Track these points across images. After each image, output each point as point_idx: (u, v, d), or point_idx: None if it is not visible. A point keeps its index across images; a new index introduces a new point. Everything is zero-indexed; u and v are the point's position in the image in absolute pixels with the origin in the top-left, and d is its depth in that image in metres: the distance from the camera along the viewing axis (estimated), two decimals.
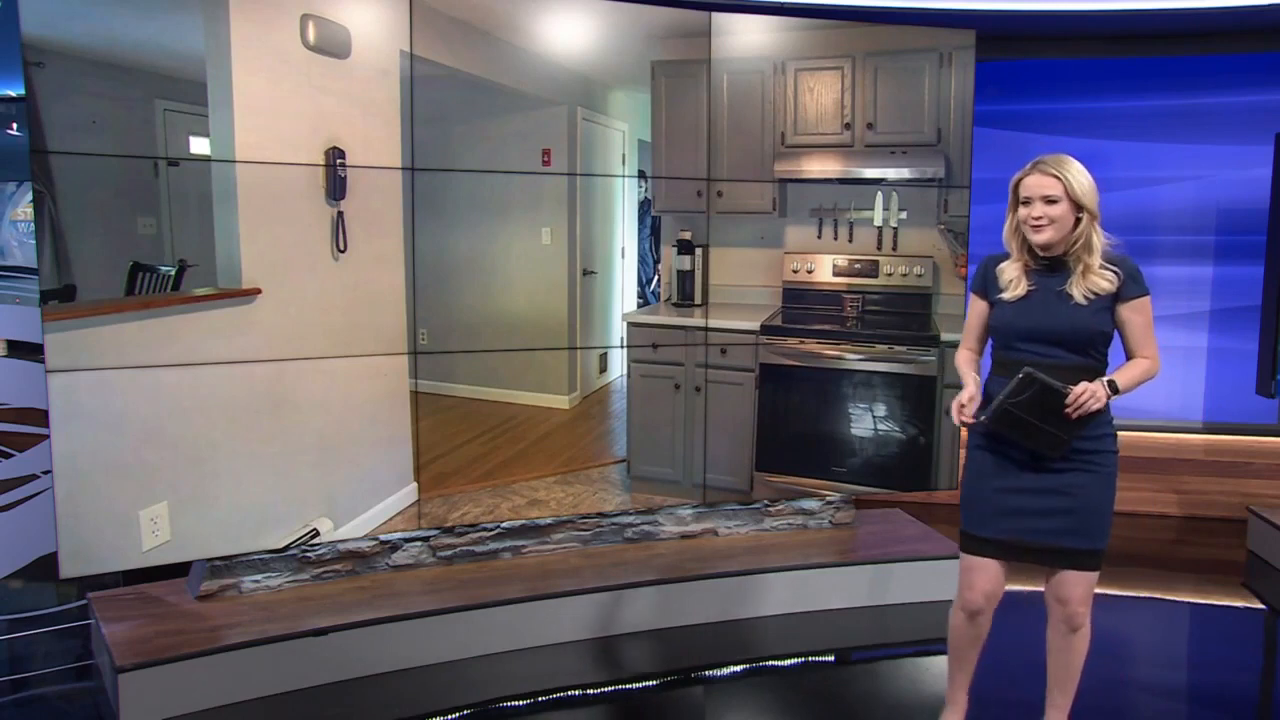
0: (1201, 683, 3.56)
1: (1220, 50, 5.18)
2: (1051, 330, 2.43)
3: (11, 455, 3.85)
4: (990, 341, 2.61)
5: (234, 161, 3.19)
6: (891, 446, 4.25)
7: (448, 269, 3.72)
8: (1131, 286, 2.43)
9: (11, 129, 3.93)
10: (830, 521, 4.30)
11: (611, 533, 4.05)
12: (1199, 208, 5.35)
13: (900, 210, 4.13)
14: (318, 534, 3.50)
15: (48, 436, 3.00)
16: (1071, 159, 2.47)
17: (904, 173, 4.11)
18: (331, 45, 3.34)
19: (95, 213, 3.11)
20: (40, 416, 3.22)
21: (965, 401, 2.47)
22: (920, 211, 4.16)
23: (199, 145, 3.19)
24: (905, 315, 4.21)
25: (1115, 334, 2.49)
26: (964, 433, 2.66)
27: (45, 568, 3.65)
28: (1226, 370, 5.33)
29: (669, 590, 3.71)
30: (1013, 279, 2.48)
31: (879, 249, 4.17)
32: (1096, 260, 2.41)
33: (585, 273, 3.99)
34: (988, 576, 2.57)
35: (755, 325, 4.10)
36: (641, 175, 4.02)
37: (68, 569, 3.08)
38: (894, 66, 4.07)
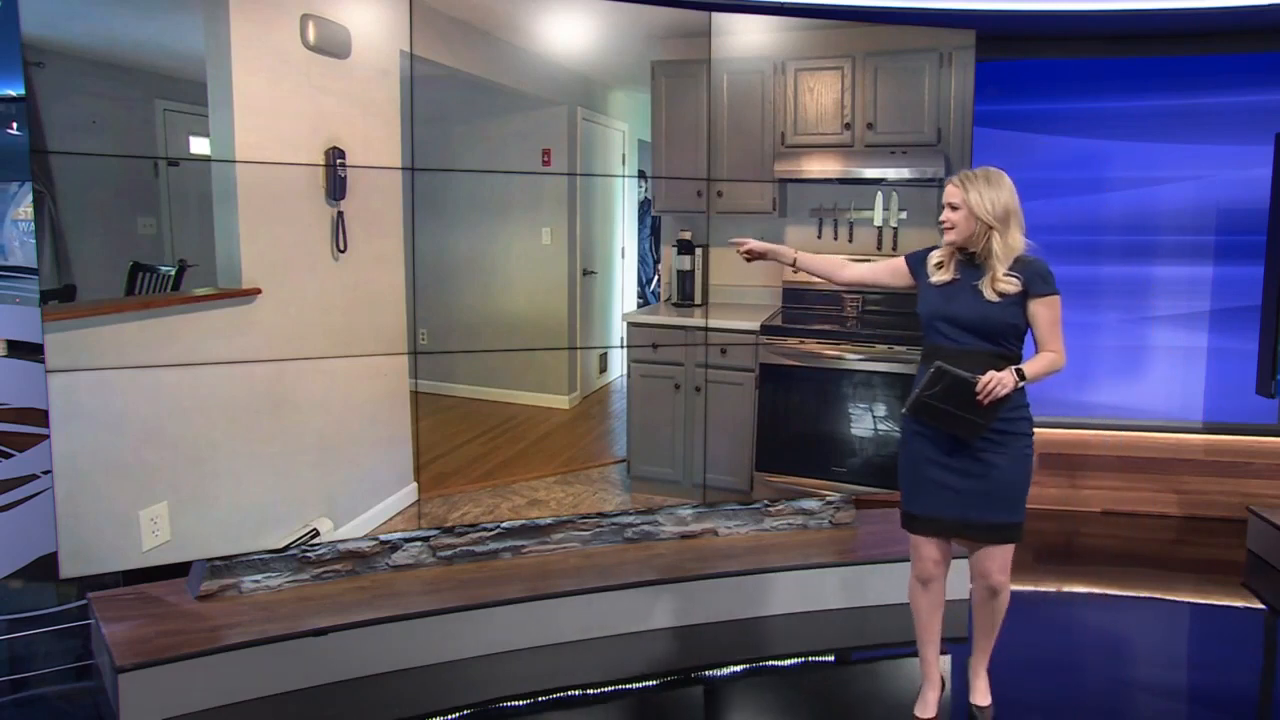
0: (1201, 683, 3.56)
1: (1220, 50, 5.18)
2: (966, 319, 2.68)
3: (11, 455, 3.85)
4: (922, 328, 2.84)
5: (234, 161, 3.19)
6: (891, 446, 4.24)
7: (448, 269, 3.72)
8: (1040, 285, 2.68)
9: (11, 129, 3.93)
10: (830, 521, 4.30)
11: (611, 533, 4.05)
12: (1199, 208, 5.34)
13: (900, 210, 4.13)
14: (318, 534, 3.50)
15: (48, 436, 3.00)
16: (993, 175, 2.69)
17: (904, 173, 4.11)
18: (331, 45, 3.34)
19: (95, 213, 3.11)
20: (40, 416, 3.22)
21: (743, 241, 3.00)
22: (920, 211, 4.15)
23: (199, 145, 3.19)
24: (905, 315, 4.19)
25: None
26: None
27: (45, 568, 3.66)
28: (1226, 370, 5.34)
29: (669, 590, 3.71)
30: (939, 264, 2.75)
31: (879, 249, 4.16)
32: (1001, 269, 2.66)
33: (585, 273, 3.99)
34: (933, 547, 2.87)
35: (755, 325, 4.10)
36: (641, 175, 4.02)
37: (68, 569, 3.08)
38: (894, 66, 4.07)
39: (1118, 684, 3.43)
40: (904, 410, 2.75)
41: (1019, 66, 5.38)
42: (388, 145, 3.50)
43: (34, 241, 3.20)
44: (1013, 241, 2.68)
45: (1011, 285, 2.66)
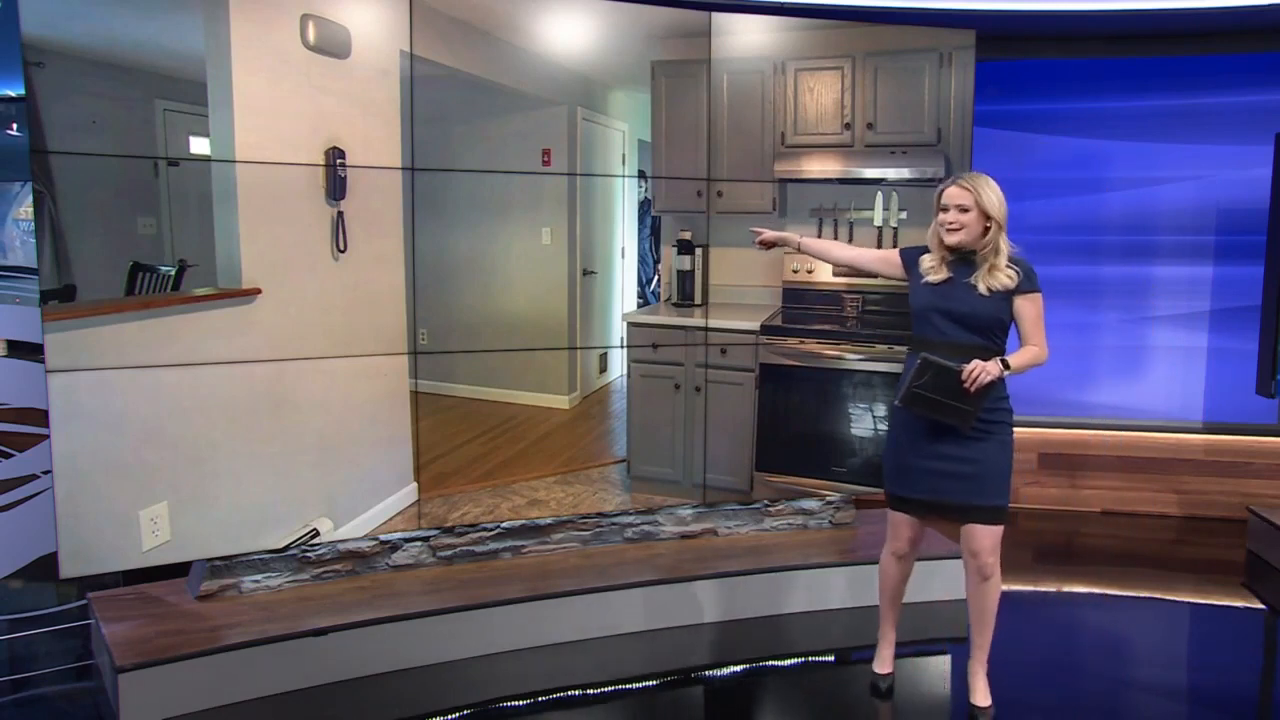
0: (1201, 683, 3.56)
1: (1220, 50, 5.18)
2: (959, 313, 2.84)
3: (11, 455, 3.85)
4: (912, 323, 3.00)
5: (234, 161, 3.19)
6: None
7: (448, 269, 3.72)
8: (1027, 283, 2.85)
9: (11, 129, 3.93)
10: (830, 521, 4.30)
11: (611, 533, 4.05)
12: (1199, 208, 5.34)
13: (900, 210, 4.13)
14: (318, 534, 3.50)
15: (48, 436, 3.00)
16: (987, 178, 2.86)
17: (904, 173, 4.11)
18: (331, 45, 3.34)
19: (95, 213, 3.11)
20: (40, 416, 3.22)
21: (759, 231, 3.26)
22: (920, 211, 4.15)
23: (199, 145, 3.19)
24: (905, 315, 4.18)
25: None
26: None
27: (45, 568, 3.66)
28: (1226, 370, 5.33)
29: (669, 590, 3.71)
30: (932, 266, 2.90)
31: (879, 249, 4.16)
32: (1003, 260, 2.83)
33: (585, 273, 3.99)
34: (910, 526, 3.07)
35: (755, 325, 4.10)
36: (641, 175, 4.02)
37: (68, 569, 3.08)
38: (894, 66, 4.07)
39: (1118, 684, 3.43)
40: (896, 401, 2.89)
41: (1019, 66, 5.38)
42: (388, 145, 3.50)
43: (34, 241, 3.20)
44: (1006, 239, 2.86)
45: (1009, 278, 2.82)
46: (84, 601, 3.57)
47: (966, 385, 2.75)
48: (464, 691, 3.28)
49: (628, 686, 3.39)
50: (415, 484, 3.69)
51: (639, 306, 4.10)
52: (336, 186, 3.38)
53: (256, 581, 3.48)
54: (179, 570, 3.46)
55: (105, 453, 3.08)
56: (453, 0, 3.57)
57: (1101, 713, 3.25)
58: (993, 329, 2.84)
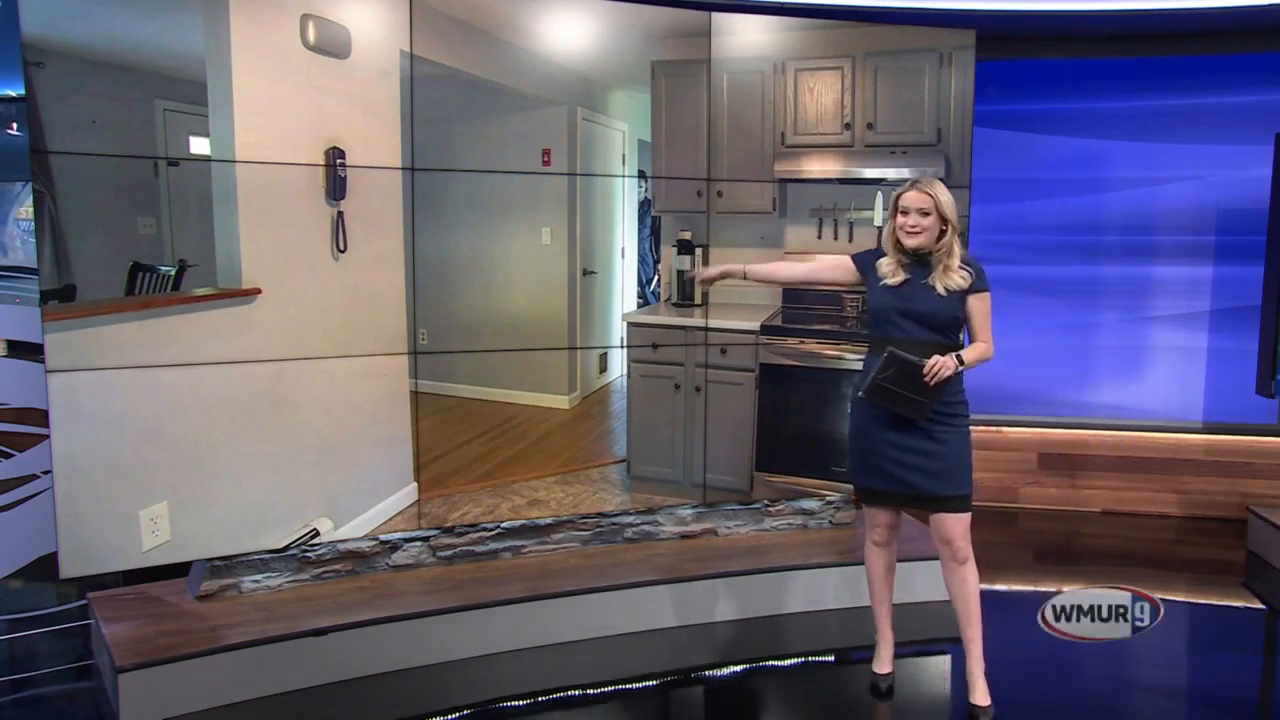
0: (1201, 683, 3.56)
1: (1220, 50, 5.18)
2: (920, 312, 2.94)
3: (11, 455, 3.85)
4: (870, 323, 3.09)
5: (234, 161, 3.19)
6: None
7: (448, 269, 3.72)
8: (979, 282, 2.97)
9: (11, 129, 3.93)
10: (830, 521, 4.30)
11: (611, 533, 4.05)
12: (1199, 208, 5.34)
13: None
14: (318, 534, 3.50)
15: (48, 436, 3.00)
16: (940, 182, 2.97)
17: (904, 173, 4.11)
18: (331, 45, 3.34)
19: (95, 213, 3.11)
20: (40, 416, 3.22)
21: (700, 270, 3.31)
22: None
23: (199, 145, 3.19)
24: None
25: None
26: None
27: (45, 568, 3.65)
28: (1226, 370, 5.33)
29: (669, 590, 3.71)
30: (889, 270, 2.99)
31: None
32: (956, 261, 2.95)
33: (585, 273, 3.99)
34: (885, 515, 3.16)
35: (755, 325, 4.10)
36: (641, 175, 4.02)
37: (68, 569, 3.08)
38: (894, 66, 4.07)
39: (1118, 684, 3.43)
40: (860, 394, 2.98)
41: (1019, 66, 5.37)
42: (388, 145, 3.50)
43: (34, 241, 3.20)
44: (958, 240, 2.99)
45: (963, 278, 2.94)
46: (84, 601, 3.57)
47: (927, 379, 2.86)
48: (464, 691, 3.28)
49: (628, 686, 3.39)
50: (415, 484, 3.69)
51: (639, 306, 4.10)
52: (336, 186, 3.38)
53: (256, 581, 3.48)
54: (179, 570, 3.46)
55: (105, 453, 3.08)
56: (453, 0, 3.57)
57: (1101, 713, 3.25)
58: (950, 327, 2.97)
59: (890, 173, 4.11)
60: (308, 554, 3.55)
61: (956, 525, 3.01)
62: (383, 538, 3.68)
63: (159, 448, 3.17)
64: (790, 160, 4.07)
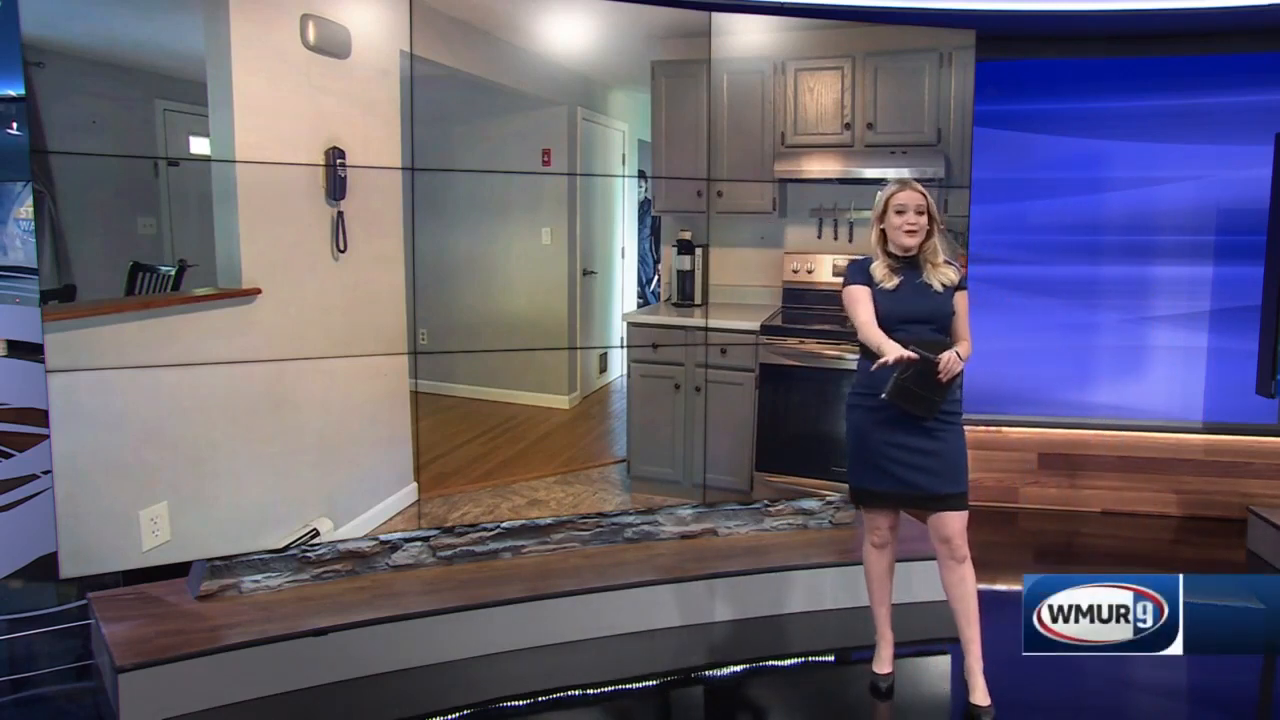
0: (1201, 683, 3.56)
1: (1220, 50, 5.18)
2: (921, 313, 2.97)
3: (11, 455, 3.85)
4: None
5: (234, 161, 3.19)
6: None
7: (448, 269, 3.72)
8: (964, 279, 3.05)
9: (11, 129, 3.93)
10: (830, 521, 4.30)
11: (611, 533, 4.05)
12: (1199, 208, 5.34)
13: None
14: (318, 534, 3.50)
15: (48, 436, 3.01)
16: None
17: (904, 173, 4.11)
18: (331, 45, 3.34)
19: (95, 213, 3.11)
20: (40, 416, 3.22)
21: (900, 357, 2.85)
22: None
23: (199, 145, 3.19)
24: None
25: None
26: None
27: (45, 568, 3.65)
28: (1226, 370, 5.33)
29: (669, 590, 3.71)
30: (884, 274, 3.00)
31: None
32: (941, 258, 3.01)
33: (585, 273, 3.98)
34: (885, 516, 3.15)
35: (755, 325, 4.10)
36: (641, 175, 4.02)
37: (68, 569, 3.08)
38: (894, 66, 4.07)
39: (1118, 684, 3.43)
40: (883, 395, 2.92)
41: (1019, 66, 5.37)
42: (388, 145, 3.50)
43: (34, 241, 3.20)
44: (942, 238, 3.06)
45: (955, 272, 3.01)
46: (84, 601, 3.57)
47: (941, 376, 2.86)
48: (464, 691, 3.28)
49: (628, 686, 3.39)
50: (415, 484, 3.68)
51: (639, 306, 4.10)
52: (336, 186, 3.38)
53: (256, 581, 3.48)
54: (179, 570, 3.46)
55: (105, 453, 3.08)
56: (453, 0, 3.57)
57: (1101, 713, 3.25)
58: (946, 322, 3.01)
59: (890, 173, 4.11)
60: (308, 554, 3.55)
61: (956, 523, 3.03)
62: (383, 538, 3.68)
63: (159, 448, 3.17)
64: (790, 160, 4.07)
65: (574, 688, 3.33)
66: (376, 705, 3.16)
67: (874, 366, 2.86)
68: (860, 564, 3.32)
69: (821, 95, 4.05)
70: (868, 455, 3.05)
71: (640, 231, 4.07)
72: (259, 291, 3.28)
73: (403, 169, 3.53)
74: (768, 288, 4.18)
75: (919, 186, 2.98)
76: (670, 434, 4.08)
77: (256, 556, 3.46)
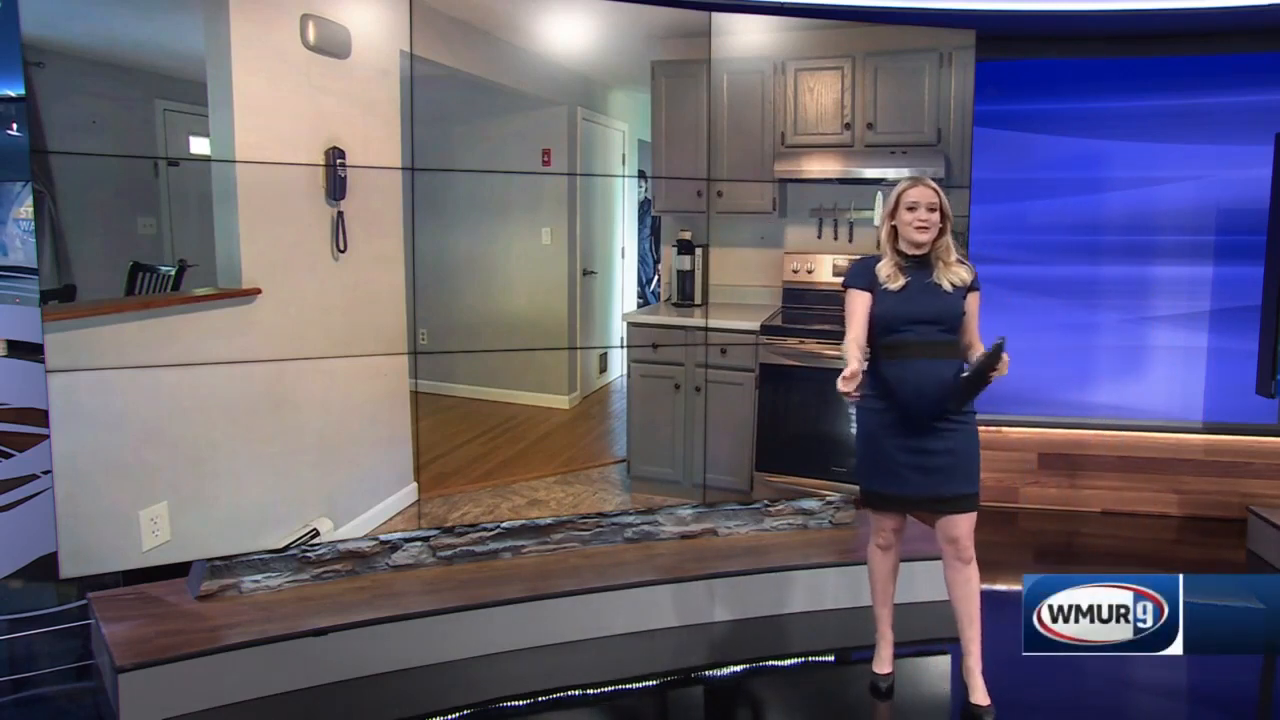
0: (1202, 683, 3.56)
1: (1220, 50, 5.18)
2: (928, 313, 2.89)
3: (11, 455, 3.85)
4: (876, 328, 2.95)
5: (234, 161, 3.20)
6: None
7: (448, 269, 3.72)
8: (975, 280, 2.97)
9: (11, 129, 3.93)
10: (830, 521, 4.30)
11: (611, 533, 4.05)
12: (1199, 208, 5.34)
13: None
14: (318, 534, 3.50)
15: (48, 436, 3.01)
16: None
17: (904, 173, 4.10)
18: (331, 45, 3.34)
19: (95, 213, 3.11)
20: (40, 416, 3.22)
21: (849, 376, 2.73)
22: None
23: (199, 145, 3.20)
24: None
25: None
26: None
27: (45, 568, 3.65)
28: (1226, 370, 5.33)
29: (669, 590, 3.71)
30: (890, 274, 2.92)
31: (878, 248, 4.16)
32: (954, 256, 2.93)
33: (585, 273, 3.99)
34: (893, 519, 3.13)
35: (755, 325, 4.10)
36: (641, 175, 4.02)
37: (68, 569, 3.08)
38: (894, 66, 4.07)
39: (1118, 684, 3.43)
40: (958, 392, 2.85)
41: (1019, 66, 5.37)
42: (388, 145, 3.50)
43: (34, 241, 3.20)
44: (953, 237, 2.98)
45: (967, 271, 2.94)
46: (84, 601, 3.57)
47: (999, 371, 2.73)
48: (464, 691, 3.28)
49: (628, 686, 3.39)
50: (415, 484, 3.69)
51: (639, 306, 4.10)
52: (336, 186, 3.38)
53: (256, 581, 3.48)
54: (179, 570, 3.46)
55: (105, 453, 3.08)
56: (453, 0, 3.57)
57: (1101, 712, 3.25)
58: (958, 323, 2.93)
59: (890, 173, 4.11)
60: (308, 554, 3.55)
61: (964, 524, 2.99)
62: (383, 538, 3.68)
63: (159, 448, 3.17)
64: (790, 160, 4.07)
65: (574, 688, 3.33)
66: (376, 705, 3.16)
67: (839, 384, 2.70)
68: (862, 564, 3.32)
69: (821, 95, 4.05)
70: (879, 458, 3.00)
71: (640, 231, 4.07)
72: (259, 291, 3.28)
73: (403, 169, 3.53)
74: (768, 288, 4.18)
75: (932, 183, 2.90)
76: (670, 434, 4.08)
77: (256, 556, 3.46)
